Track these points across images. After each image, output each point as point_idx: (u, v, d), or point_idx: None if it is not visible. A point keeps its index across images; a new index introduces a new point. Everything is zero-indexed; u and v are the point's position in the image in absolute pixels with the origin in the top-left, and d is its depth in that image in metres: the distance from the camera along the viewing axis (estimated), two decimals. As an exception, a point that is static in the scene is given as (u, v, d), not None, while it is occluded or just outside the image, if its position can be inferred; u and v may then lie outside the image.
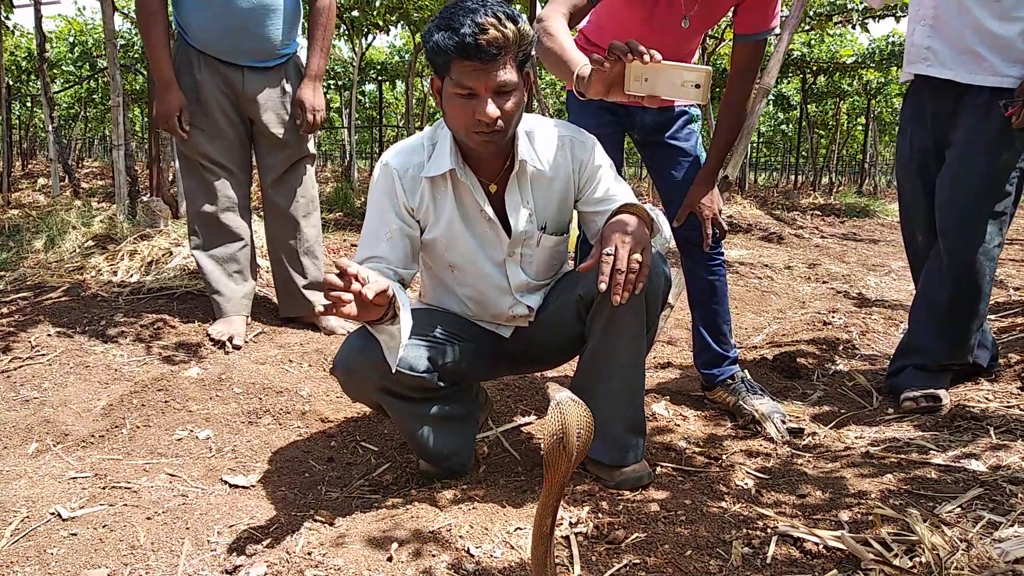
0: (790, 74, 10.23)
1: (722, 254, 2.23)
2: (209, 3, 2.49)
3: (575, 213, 1.80)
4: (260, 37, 2.56)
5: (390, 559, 1.34)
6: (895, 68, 9.50)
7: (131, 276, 3.19)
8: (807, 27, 7.80)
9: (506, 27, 1.42)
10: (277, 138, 2.69)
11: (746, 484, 1.69)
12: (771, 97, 11.85)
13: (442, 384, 1.67)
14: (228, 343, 2.55)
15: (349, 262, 1.26)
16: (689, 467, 1.81)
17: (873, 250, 6.59)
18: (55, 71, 9.41)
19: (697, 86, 1.49)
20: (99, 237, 3.62)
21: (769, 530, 1.43)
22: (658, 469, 1.78)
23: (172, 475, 1.77)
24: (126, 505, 1.59)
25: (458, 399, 1.77)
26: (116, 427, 1.98)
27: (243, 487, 1.75)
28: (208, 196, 2.66)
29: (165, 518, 1.54)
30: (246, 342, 2.63)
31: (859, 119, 15.07)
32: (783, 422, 2.06)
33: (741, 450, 1.93)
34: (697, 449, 1.93)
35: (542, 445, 1.03)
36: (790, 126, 16.74)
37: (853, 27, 7.45)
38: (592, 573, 1.32)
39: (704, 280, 2.23)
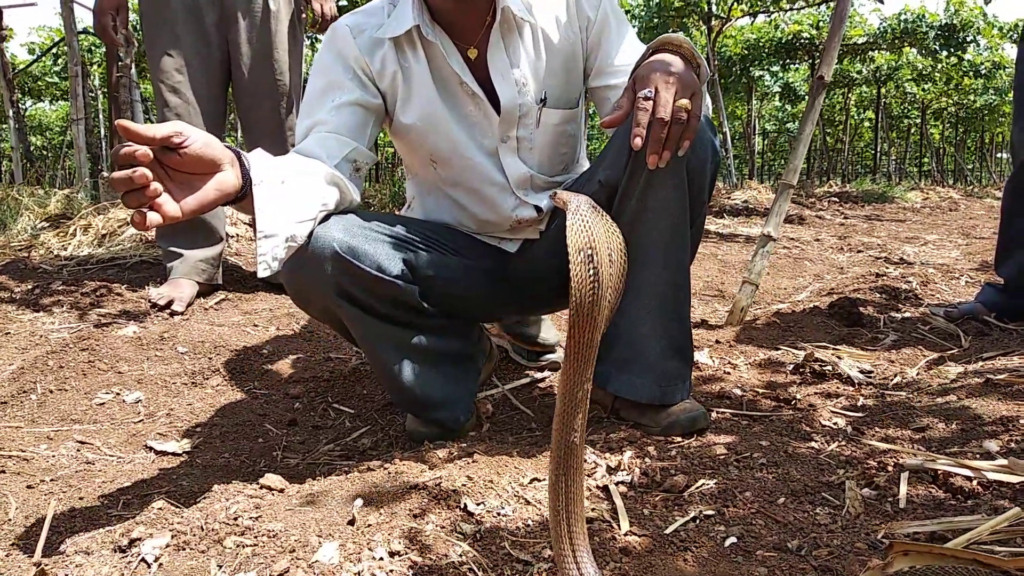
0: (797, 60, 9.86)
1: None
2: None
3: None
4: None
5: (351, 522, 0.93)
6: (907, 47, 9.13)
7: (81, 250, 2.80)
8: (818, 2, 7.43)
9: None
10: (256, 62, 2.29)
11: (837, 423, 1.27)
12: (777, 89, 11.49)
13: (427, 305, 1.26)
14: (167, 308, 2.13)
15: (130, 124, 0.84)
16: (754, 411, 1.39)
17: (902, 227, 6.16)
18: (40, 83, 9.12)
19: None
20: (54, 217, 3.24)
21: (892, 467, 1.01)
22: (713, 414, 1.36)
23: (82, 442, 1.36)
24: (3, 473, 1.18)
25: (453, 333, 1.36)
26: (24, 392, 1.58)
27: (173, 454, 1.34)
28: None
29: (52, 487, 1.14)
30: (204, 309, 2.22)
31: (867, 112, 14.71)
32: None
33: (815, 392, 1.51)
34: (761, 391, 1.51)
35: (569, 271, 0.63)
36: (795, 123, 16.36)
37: (865, -1, 7.07)
38: (646, 530, 0.90)
39: None
